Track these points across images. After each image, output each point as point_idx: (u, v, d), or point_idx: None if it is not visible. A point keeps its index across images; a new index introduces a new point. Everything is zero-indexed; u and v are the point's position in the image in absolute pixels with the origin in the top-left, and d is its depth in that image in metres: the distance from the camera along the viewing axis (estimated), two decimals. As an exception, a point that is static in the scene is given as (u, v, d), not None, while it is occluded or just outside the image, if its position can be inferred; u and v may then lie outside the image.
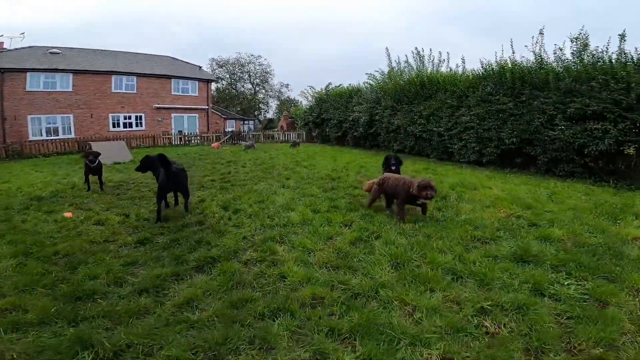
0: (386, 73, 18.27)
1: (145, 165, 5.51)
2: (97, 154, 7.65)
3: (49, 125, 22.25)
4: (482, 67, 11.62)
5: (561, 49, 9.75)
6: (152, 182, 7.88)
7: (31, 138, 21.12)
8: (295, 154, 14.31)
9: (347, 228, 4.41)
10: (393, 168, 6.10)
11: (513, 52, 10.82)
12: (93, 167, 7.53)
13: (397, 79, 15.84)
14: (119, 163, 12.67)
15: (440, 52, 17.13)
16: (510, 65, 10.60)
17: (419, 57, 17.66)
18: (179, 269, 3.40)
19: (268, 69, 46.90)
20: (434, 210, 5.09)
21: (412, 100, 13.78)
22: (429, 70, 16.05)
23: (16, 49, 23.73)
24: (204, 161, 12.39)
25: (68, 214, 5.73)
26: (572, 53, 9.67)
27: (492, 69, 11.14)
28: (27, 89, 21.29)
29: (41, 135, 21.75)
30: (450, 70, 14.74)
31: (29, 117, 21.50)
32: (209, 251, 3.78)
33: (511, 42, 10.95)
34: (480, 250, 3.66)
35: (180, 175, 5.04)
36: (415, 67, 17.27)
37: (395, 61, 17.71)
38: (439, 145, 12.24)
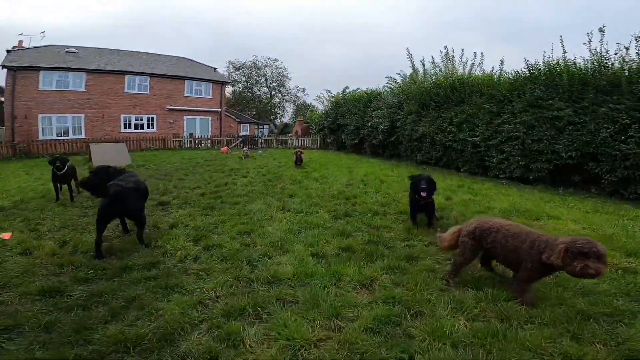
0: (408, 75, 16.68)
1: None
2: (65, 160, 6.41)
3: (59, 125, 21.76)
4: (527, 67, 9.91)
5: (627, 48, 8.00)
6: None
7: (41, 137, 20.60)
8: (307, 162, 12.84)
9: (365, 292, 2.84)
10: (423, 194, 4.42)
11: (564, 52, 9.15)
12: (60, 174, 6.29)
13: (422, 82, 14.20)
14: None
15: (474, 53, 15.43)
16: (563, 65, 8.86)
17: (448, 58, 16.02)
18: (67, 354, 1.98)
19: (284, 72, 45.95)
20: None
21: (440, 105, 12.10)
22: (459, 73, 14.40)
23: (34, 47, 23.47)
24: (205, 168, 11.10)
25: (6, 235, 4.52)
26: (637, 53, 7.93)
27: (540, 69, 9.42)
28: (40, 87, 20.85)
29: (51, 135, 21.23)
30: (484, 72, 13.05)
31: (39, 116, 21.04)
32: (133, 324, 2.35)
33: (561, 40, 9.28)
34: (614, 349, 2.04)
35: (129, 195, 3.60)
36: (443, 69, 15.63)
37: (420, 61, 16.10)
38: (473, 157, 10.47)
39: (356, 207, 5.55)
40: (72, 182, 6.67)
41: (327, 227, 4.45)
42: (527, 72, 9.86)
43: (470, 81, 11.36)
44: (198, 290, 2.87)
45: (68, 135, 21.54)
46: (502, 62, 14.26)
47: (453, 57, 14.98)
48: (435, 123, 11.80)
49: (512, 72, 10.71)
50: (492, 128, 9.70)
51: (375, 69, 66.25)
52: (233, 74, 43.57)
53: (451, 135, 11.06)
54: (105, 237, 4.23)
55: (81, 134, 22.14)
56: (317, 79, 66.08)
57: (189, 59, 29.13)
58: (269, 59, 44.86)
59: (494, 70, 12.86)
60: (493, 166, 9.72)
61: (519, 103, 9.20)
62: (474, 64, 14.91)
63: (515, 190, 7.91)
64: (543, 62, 9.49)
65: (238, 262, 3.33)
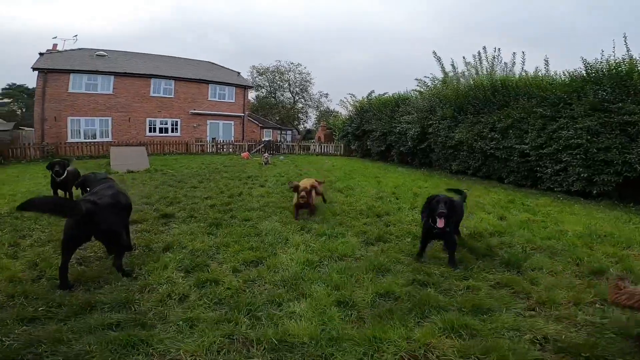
0: (440, 78, 15.56)
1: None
2: (65, 164, 5.84)
3: (87, 128, 22.01)
4: (584, 67, 8.57)
5: None
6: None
7: (69, 140, 20.86)
8: (331, 169, 11.94)
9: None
10: (440, 225, 3.25)
11: (628, 50, 7.84)
12: (59, 180, 5.72)
13: (457, 84, 13.03)
14: (132, 172, 11.18)
15: (514, 53, 14.14)
16: (628, 64, 7.55)
17: (487, 59, 14.81)
18: None
19: (308, 78, 45.44)
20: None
21: (479, 110, 10.85)
22: (497, 74, 13.18)
23: (66, 50, 24.03)
24: (222, 174, 10.42)
25: (-18, 251, 3.91)
26: None
27: (599, 69, 8.09)
28: (70, 90, 21.13)
29: (79, 138, 21.47)
30: (527, 73, 11.74)
31: (69, 118, 21.34)
32: None
33: (625, 37, 7.94)
34: None
35: (104, 214, 2.82)
36: (481, 70, 14.43)
37: (451, 64, 14.97)
38: (520, 167, 9.16)
39: (390, 228, 4.55)
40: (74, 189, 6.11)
41: (357, 257, 3.48)
42: (584, 72, 8.53)
43: (515, 82, 10.09)
44: (172, 351, 2.01)
45: (95, 138, 21.79)
46: (546, 62, 12.90)
47: (495, 57, 13.79)
48: (474, 129, 10.57)
49: (565, 72, 9.40)
50: (545, 134, 8.39)
51: (397, 73, 65.18)
52: (257, 79, 43.57)
53: (494, 142, 9.80)
54: (82, 257, 3.52)
55: (108, 136, 22.32)
56: (339, 84, 65.86)
57: (212, 63, 29.14)
58: (292, 63, 44.55)
59: (537, 71, 11.58)
60: (546, 178, 8.40)
61: (579, 106, 7.88)
62: (513, 63, 13.70)
63: (579, 207, 6.62)
64: (601, 62, 8.19)
65: (236, 309, 2.42)
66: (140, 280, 2.91)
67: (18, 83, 41.01)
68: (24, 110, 41.56)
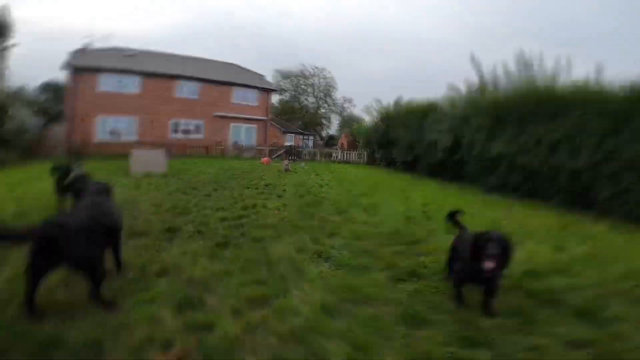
0: (477, 85, 14.52)
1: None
2: (69, 170, 5.48)
3: (114, 128, 22.38)
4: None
5: None
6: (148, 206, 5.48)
7: (97, 138, 21.27)
8: (354, 181, 11.25)
9: None
10: (489, 265, 2.53)
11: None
12: (61, 185, 5.37)
13: (495, 91, 12.04)
14: (149, 175, 10.93)
15: (557, 57, 12.90)
16: None
17: (525, 65, 13.65)
18: None
19: (332, 82, 45.01)
20: None
21: (522, 121, 9.86)
22: (540, 81, 12.06)
23: (96, 49, 24.55)
24: (239, 181, 9.97)
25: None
26: None
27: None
28: (99, 89, 21.49)
29: (106, 136, 21.85)
30: (577, 80, 10.59)
31: (97, 118, 21.73)
32: None
33: None
34: None
35: (71, 240, 2.25)
36: (519, 77, 13.30)
37: (487, 67, 13.88)
38: (571, 186, 8.12)
39: (423, 259, 3.80)
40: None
41: (385, 300, 2.79)
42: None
43: (565, 91, 9.08)
44: None
45: (121, 138, 22.06)
46: (598, 69, 11.59)
47: (531, 62, 12.65)
48: (516, 141, 9.59)
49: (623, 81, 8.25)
50: (603, 151, 7.36)
51: (425, 79, 63.63)
52: (281, 82, 43.51)
53: (539, 157, 8.79)
54: (69, 276, 3.03)
55: (134, 136, 22.59)
56: (361, 90, 65.28)
57: (237, 65, 29.11)
58: (316, 67, 44.25)
59: (587, 79, 10.42)
60: (603, 200, 7.35)
61: (645, 119, 6.82)
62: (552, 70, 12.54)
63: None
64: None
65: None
66: (121, 315, 2.37)
67: (56, 81, 42.85)
68: (61, 108, 43.32)
